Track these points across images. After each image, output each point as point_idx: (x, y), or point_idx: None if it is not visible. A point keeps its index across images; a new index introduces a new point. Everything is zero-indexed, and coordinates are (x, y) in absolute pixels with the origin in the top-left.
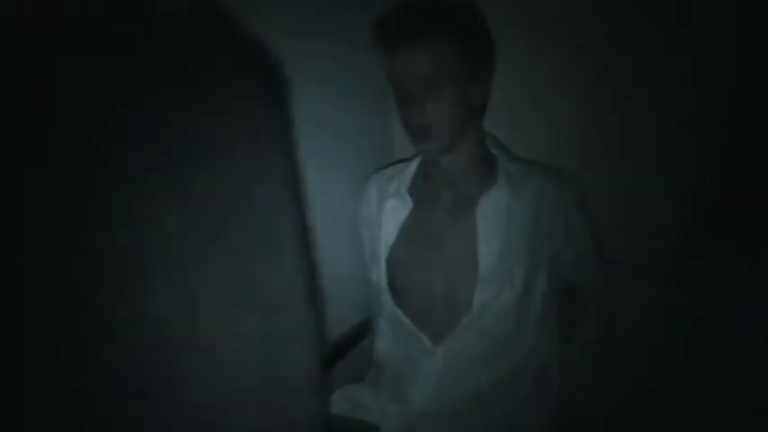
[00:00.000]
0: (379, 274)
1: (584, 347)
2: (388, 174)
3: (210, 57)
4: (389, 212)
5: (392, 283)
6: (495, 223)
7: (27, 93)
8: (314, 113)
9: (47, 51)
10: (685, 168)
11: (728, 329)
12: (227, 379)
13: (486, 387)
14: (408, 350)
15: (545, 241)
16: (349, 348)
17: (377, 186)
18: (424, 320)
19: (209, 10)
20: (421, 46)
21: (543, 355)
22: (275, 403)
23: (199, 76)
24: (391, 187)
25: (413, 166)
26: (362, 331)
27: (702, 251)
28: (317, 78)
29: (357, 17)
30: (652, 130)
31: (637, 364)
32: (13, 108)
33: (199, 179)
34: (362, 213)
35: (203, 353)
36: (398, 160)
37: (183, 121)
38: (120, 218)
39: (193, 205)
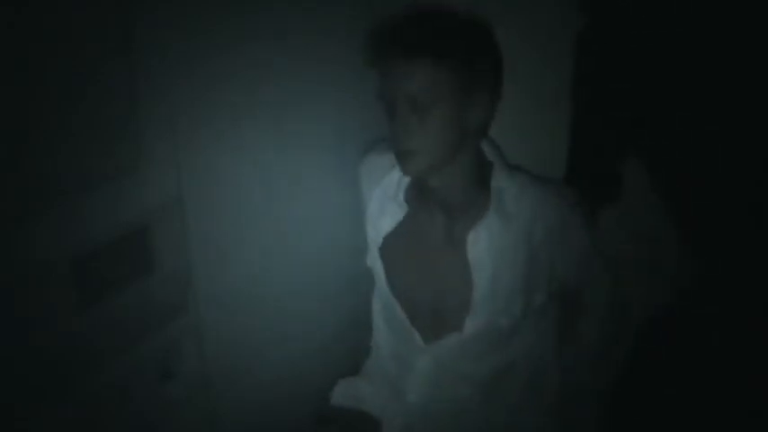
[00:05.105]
0: (373, 261)
1: (582, 350)
2: (388, 163)
3: None
4: (385, 210)
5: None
6: (487, 253)
7: None
8: (313, 112)
9: None
10: None
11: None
12: None
13: (483, 384)
14: (402, 347)
15: (541, 266)
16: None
17: (379, 170)
18: (414, 322)
19: None
20: (407, 68)
21: (541, 355)
22: None
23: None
24: (389, 185)
25: None
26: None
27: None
28: (317, 79)
29: (357, 16)
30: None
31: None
32: None
33: None
34: (361, 184)
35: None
36: None
37: None
38: None
39: None
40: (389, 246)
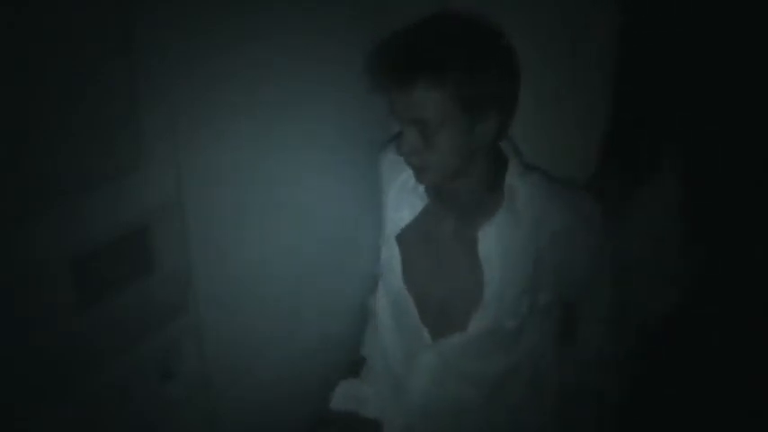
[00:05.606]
0: (390, 250)
1: (583, 350)
2: None
3: None
4: (403, 203)
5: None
6: (497, 252)
7: None
8: (313, 112)
9: None
10: None
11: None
12: None
13: (487, 384)
14: (408, 344)
15: (546, 267)
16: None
17: (398, 165)
18: (422, 319)
19: None
20: (407, 96)
21: (542, 354)
22: None
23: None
24: (409, 178)
25: None
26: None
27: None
28: (317, 79)
29: (357, 16)
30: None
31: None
32: None
33: None
34: (381, 179)
35: None
36: None
37: None
38: None
39: None
40: (404, 241)
